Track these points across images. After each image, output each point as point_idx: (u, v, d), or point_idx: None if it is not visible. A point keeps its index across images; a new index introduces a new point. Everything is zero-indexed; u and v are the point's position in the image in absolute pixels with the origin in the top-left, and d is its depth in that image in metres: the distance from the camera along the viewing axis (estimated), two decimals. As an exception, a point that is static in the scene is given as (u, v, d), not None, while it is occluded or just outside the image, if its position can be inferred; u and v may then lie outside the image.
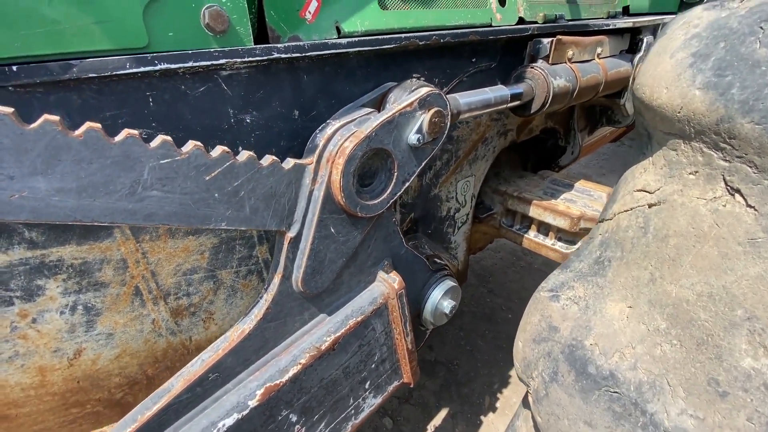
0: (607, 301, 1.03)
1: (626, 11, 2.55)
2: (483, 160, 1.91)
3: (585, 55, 1.79)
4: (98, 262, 0.91)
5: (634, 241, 1.00)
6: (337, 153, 0.98)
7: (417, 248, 1.71)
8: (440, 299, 1.50)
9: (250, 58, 0.94)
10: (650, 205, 0.98)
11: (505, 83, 1.71)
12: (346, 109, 1.16)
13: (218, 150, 0.83)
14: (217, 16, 0.87)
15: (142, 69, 0.81)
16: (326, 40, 1.08)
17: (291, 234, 1.00)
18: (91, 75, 0.76)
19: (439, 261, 1.57)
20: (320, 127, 1.08)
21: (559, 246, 2.04)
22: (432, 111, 1.10)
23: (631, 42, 2.19)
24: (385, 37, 1.16)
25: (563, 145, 2.58)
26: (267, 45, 0.95)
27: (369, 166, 1.09)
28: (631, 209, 1.05)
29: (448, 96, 1.24)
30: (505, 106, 1.43)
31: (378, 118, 1.02)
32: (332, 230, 1.04)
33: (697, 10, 1.07)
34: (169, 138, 0.77)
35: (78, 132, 0.67)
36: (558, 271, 1.31)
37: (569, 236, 2.03)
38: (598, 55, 1.87)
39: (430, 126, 1.10)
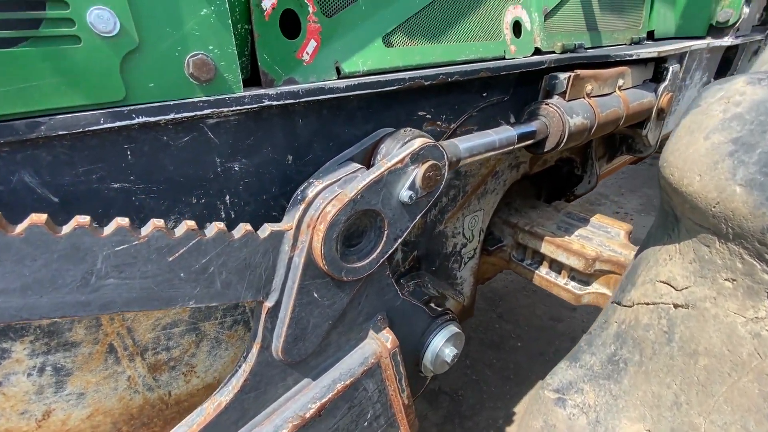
0: (621, 418, 0.92)
1: (651, 36, 2.43)
2: (493, 193, 1.82)
3: (605, 88, 1.69)
4: (68, 321, 0.86)
5: (656, 347, 0.89)
6: (318, 218, 0.91)
7: (419, 287, 1.63)
8: (441, 347, 1.41)
9: (238, 107, 0.88)
10: (676, 306, 0.88)
11: (518, 119, 1.63)
12: (331, 163, 1.08)
13: (182, 228, 0.78)
14: (201, 65, 0.81)
15: (117, 124, 0.75)
16: (324, 83, 1.01)
17: (269, 304, 0.93)
18: (61, 132, 0.71)
19: (439, 307, 1.49)
20: (302, 187, 1.01)
21: (572, 286, 1.93)
22: (426, 165, 1.02)
23: (656, 70, 2.08)
24: (387, 78, 1.09)
25: (579, 174, 2.46)
26: (257, 93, 0.89)
27: (356, 225, 1.02)
28: (654, 304, 0.94)
29: (446, 142, 1.16)
30: (512, 147, 1.33)
31: (364, 178, 0.94)
32: (315, 295, 0.97)
33: (738, 83, 0.94)
34: (125, 221, 0.71)
35: (19, 229, 0.62)
36: (566, 363, 1.18)
37: (583, 276, 1.92)
38: (620, 87, 1.77)
39: (424, 181, 1.02)
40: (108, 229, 0.70)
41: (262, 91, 0.90)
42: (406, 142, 1.06)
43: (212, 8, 0.81)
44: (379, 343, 1.12)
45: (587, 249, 1.84)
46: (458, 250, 1.78)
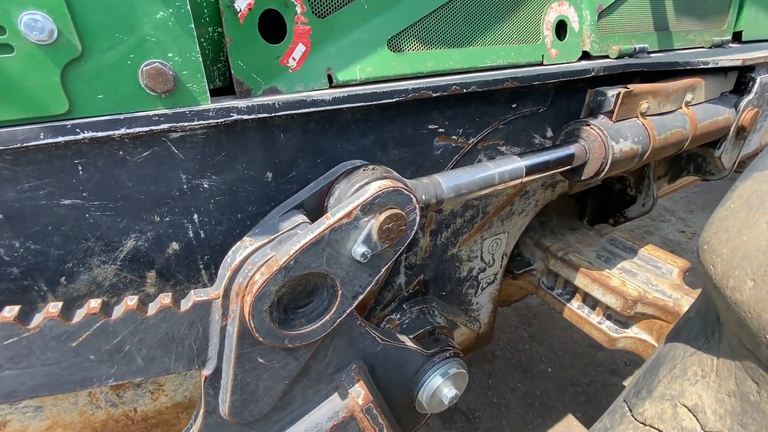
0: None
1: (737, 38, 2.05)
2: (521, 215, 1.62)
3: (667, 105, 1.42)
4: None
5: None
6: (246, 287, 0.79)
7: (424, 314, 1.49)
8: (437, 388, 1.27)
9: (202, 121, 0.78)
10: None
11: (553, 139, 1.41)
12: (274, 213, 0.94)
13: (80, 313, 0.71)
14: (157, 75, 0.73)
15: (60, 139, 0.69)
16: (306, 94, 0.89)
17: (206, 372, 0.85)
18: (-4, 147, 0.66)
19: (441, 339, 1.34)
20: (233, 248, 0.88)
21: (607, 327, 1.69)
22: (384, 215, 0.83)
23: (739, 80, 1.74)
24: (385, 88, 0.95)
25: (633, 194, 2.16)
26: (225, 105, 0.80)
27: (302, 285, 0.88)
28: None
29: (423, 180, 0.98)
30: (519, 180, 1.12)
31: (300, 240, 0.79)
32: (261, 360, 0.87)
33: None
34: (11, 315, 0.66)
35: None
36: None
37: (621, 318, 1.67)
38: (687, 103, 1.48)
39: (383, 234, 0.85)
40: None
41: (230, 104, 0.80)
42: (358, 188, 0.88)
43: (170, 11, 0.71)
44: (350, 399, 1.00)
45: (628, 287, 1.59)
46: (475, 275, 1.61)
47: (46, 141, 0.68)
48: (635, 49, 1.49)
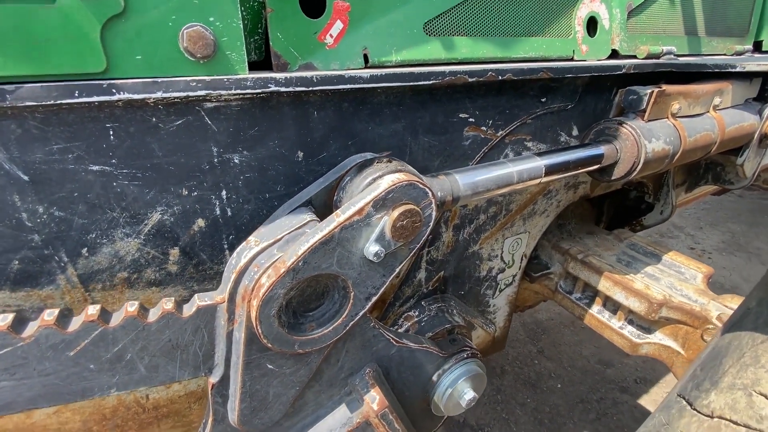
0: None
1: (758, 48, 2.05)
2: (542, 215, 1.59)
3: (696, 107, 1.40)
4: (36, 311, 0.79)
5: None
6: (252, 291, 0.74)
7: (442, 312, 1.45)
8: (454, 390, 1.21)
9: (239, 91, 0.76)
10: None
11: (582, 133, 1.39)
12: (280, 211, 0.89)
13: (78, 320, 0.68)
14: (197, 38, 0.70)
15: (95, 99, 0.66)
16: (345, 71, 0.87)
17: (213, 380, 0.81)
18: (29, 104, 0.63)
19: (459, 340, 1.30)
20: (239, 247, 0.82)
21: (629, 332, 1.64)
22: (398, 211, 0.78)
23: (763, 87, 1.72)
24: (422, 70, 0.93)
25: (651, 201, 2.13)
26: (263, 76, 0.77)
27: (312, 287, 0.83)
28: (747, 428, 0.69)
29: (440, 176, 0.93)
30: (538, 181, 1.08)
31: (308, 239, 0.74)
32: (270, 366, 0.82)
33: None
34: (4, 324, 0.63)
35: None
36: None
37: (645, 323, 1.62)
38: (716, 107, 1.47)
39: (396, 232, 0.79)
40: None
41: (269, 75, 0.78)
42: (370, 182, 0.82)
43: (215, -27, 0.69)
44: (365, 404, 0.95)
45: (652, 291, 1.55)
46: (494, 275, 1.57)
47: (80, 100, 0.65)
48: (662, 50, 1.48)
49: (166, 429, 1.02)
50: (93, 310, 0.69)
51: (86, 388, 0.72)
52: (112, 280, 0.83)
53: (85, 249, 0.78)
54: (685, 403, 0.81)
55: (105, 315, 0.71)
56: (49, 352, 0.67)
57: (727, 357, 0.80)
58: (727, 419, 0.72)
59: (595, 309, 1.76)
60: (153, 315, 0.73)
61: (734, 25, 1.87)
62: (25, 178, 0.69)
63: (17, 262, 0.73)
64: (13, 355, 0.65)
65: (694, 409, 0.78)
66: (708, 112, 1.48)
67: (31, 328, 0.66)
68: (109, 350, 0.71)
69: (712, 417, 0.74)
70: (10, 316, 0.65)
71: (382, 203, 0.78)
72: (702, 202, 5.28)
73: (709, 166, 2.07)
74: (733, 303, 1.50)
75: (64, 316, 0.69)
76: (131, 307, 0.72)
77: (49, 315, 0.67)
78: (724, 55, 1.88)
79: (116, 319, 0.71)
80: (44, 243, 0.74)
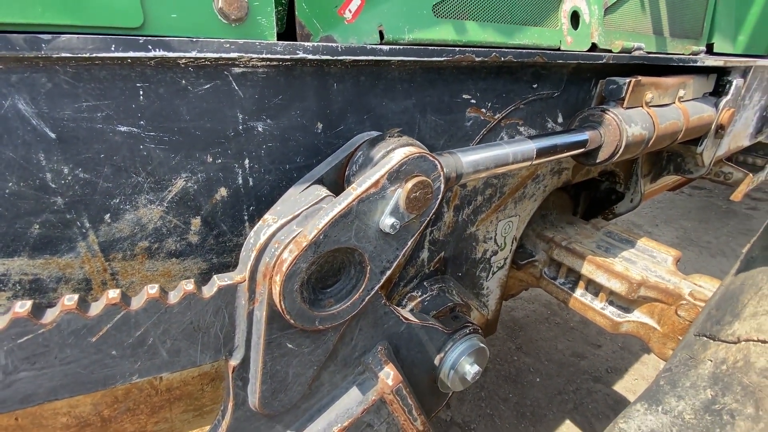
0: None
1: (710, 50, 2.26)
2: (531, 199, 1.67)
3: (665, 98, 1.54)
4: (54, 280, 0.75)
5: (780, 394, 0.71)
6: (274, 267, 0.75)
7: (443, 292, 1.48)
8: (459, 365, 1.25)
9: (270, 55, 0.77)
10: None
11: (567, 121, 1.49)
12: (293, 189, 0.89)
13: (100, 304, 0.66)
14: (233, 0, 0.71)
15: (130, 54, 0.65)
16: (365, 45, 0.90)
17: (234, 362, 0.80)
18: (64, 55, 0.61)
19: (461, 317, 1.34)
20: (256, 227, 0.83)
21: (610, 312, 1.74)
22: (411, 183, 0.81)
23: (717, 83, 1.91)
24: (435, 48, 0.97)
25: (621, 191, 2.29)
26: (292, 42, 0.79)
27: (329, 263, 0.85)
28: None
29: (445, 154, 0.98)
30: (530, 163, 1.14)
31: (328, 213, 0.76)
32: (290, 346, 0.83)
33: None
34: (24, 311, 0.61)
35: None
36: (643, 405, 0.90)
37: (624, 302, 1.73)
38: (680, 98, 1.61)
39: (410, 203, 0.82)
40: (3, 322, 0.60)
41: (297, 43, 0.80)
42: (384, 155, 0.85)
43: (251, -63, 0.71)
44: (380, 380, 0.97)
45: (632, 272, 1.66)
46: (488, 257, 1.63)
47: (116, 54, 0.64)
48: (634, 46, 1.61)
49: (177, 413, 0.98)
50: (114, 293, 0.67)
51: (108, 376, 0.69)
52: (133, 250, 0.80)
53: (108, 215, 0.76)
54: (706, 339, 0.88)
55: (125, 298, 0.69)
56: (71, 339, 0.64)
57: (744, 293, 0.88)
58: (754, 340, 0.79)
59: (579, 292, 1.86)
60: (174, 297, 0.72)
61: (690, 28, 2.07)
62: (53, 135, 0.67)
63: (38, 226, 0.70)
64: (35, 342, 0.62)
65: (719, 340, 0.85)
66: (674, 102, 1.62)
67: (52, 314, 0.63)
68: (131, 335, 0.69)
69: (738, 342, 0.81)
70: (29, 303, 0.62)
71: (396, 175, 0.81)
72: (656, 200, 5.68)
73: (671, 157, 2.25)
74: (701, 281, 1.64)
75: (84, 301, 0.67)
76: (152, 289, 0.70)
77: (70, 300, 0.64)
78: (683, 54, 2.07)
79: (138, 302, 0.69)
80: (67, 206, 0.71)
